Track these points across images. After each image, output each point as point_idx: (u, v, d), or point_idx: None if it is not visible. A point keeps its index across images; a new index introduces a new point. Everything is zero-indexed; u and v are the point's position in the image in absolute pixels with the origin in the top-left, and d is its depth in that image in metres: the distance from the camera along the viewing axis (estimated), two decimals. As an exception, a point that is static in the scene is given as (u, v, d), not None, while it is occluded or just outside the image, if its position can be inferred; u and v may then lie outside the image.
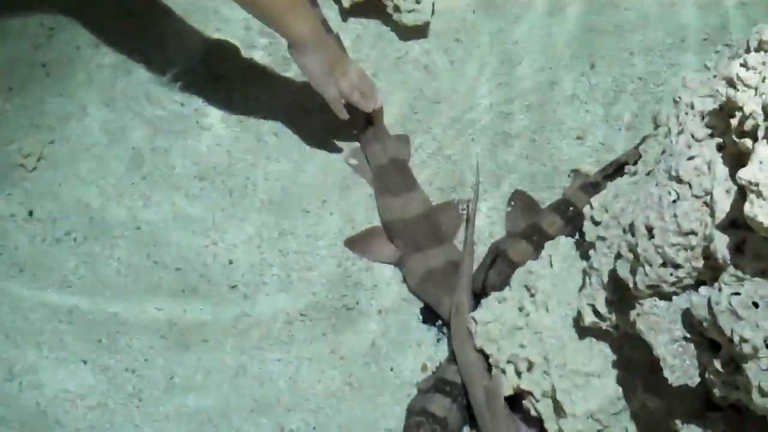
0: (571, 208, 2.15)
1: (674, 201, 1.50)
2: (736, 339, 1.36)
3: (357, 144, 2.37)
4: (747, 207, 1.32)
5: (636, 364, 1.73)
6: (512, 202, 2.27)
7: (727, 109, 1.48)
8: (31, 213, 2.26)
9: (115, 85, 2.45)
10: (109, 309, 2.14)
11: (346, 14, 2.56)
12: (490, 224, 2.26)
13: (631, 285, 1.56)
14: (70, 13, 2.54)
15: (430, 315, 2.13)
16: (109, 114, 2.41)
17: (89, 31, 2.52)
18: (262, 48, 2.47)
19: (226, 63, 2.48)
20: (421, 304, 2.15)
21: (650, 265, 1.51)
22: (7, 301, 2.16)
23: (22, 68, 2.47)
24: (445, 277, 2.10)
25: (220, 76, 2.47)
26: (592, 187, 2.16)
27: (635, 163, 1.95)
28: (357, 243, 2.24)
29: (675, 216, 1.48)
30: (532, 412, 1.83)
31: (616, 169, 2.16)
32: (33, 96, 2.43)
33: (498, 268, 2.06)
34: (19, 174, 2.32)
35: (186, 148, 2.36)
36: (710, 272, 1.49)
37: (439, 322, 2.12)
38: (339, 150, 2.37)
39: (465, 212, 2.25)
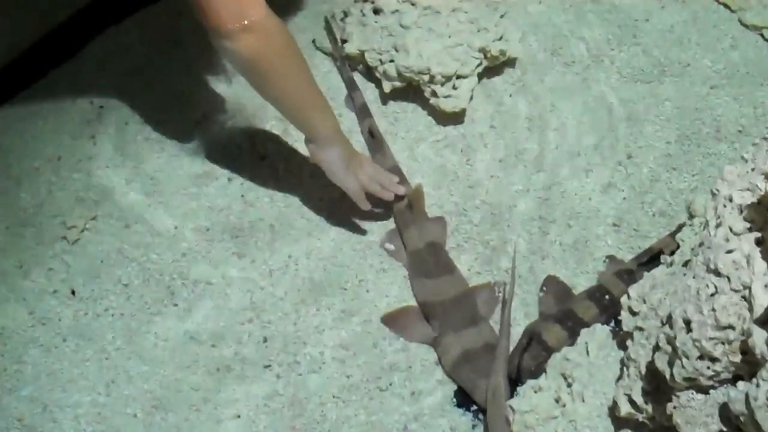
0: (606, 296, 2.14)
1: (712, 294, 1.50)
2: (773, 435, 1.35)
3: (393, 230, 2.39)
4: (786, 303, 1.33)
5: (671, 455, 1.72)
6: (545, 288, 2.27)
7: (766, 203, 1.49)
8: (73, 292, 2.29)
9: (161, 161, 2.50)
10: (145, 386, 2.16)
11: (386, 98, 2.60)
12: (524, 306, 2.26)
13: (668, 377, 1.55)
14: (120, 92, 2.61)
15: (464, 399, 2.11)
16: (153, 189, 2.45)
17: (138, 109, 2.59)
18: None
19: (271, 142, 2.53)
20: (456, 387, 2.14)
21: (688, 358, 1.50)
22: (46, 372, 2.18)
23: (72, 140, 2.53)
24: (482, 360, 2.10)
25: (265, 155, 2.51)
26: (627, 274, 2.17)
27: (672, 253, 1.96)
28: (393, 321, 2.24)
29: (713, 310, 1.48)
30: (569, 501, 1.82)
31: (651, 257, 2.18)
32: (80, 168, 2.49)
33: (533, 352, 2.06)
34: (61, 247, 2.35)
35: (228, 225, 2.39)
36: (748, 367, 1.48)
37: (474, 407, 2.10)
38: (377, 231, 2.39)
39: (501, 295, 2.26)
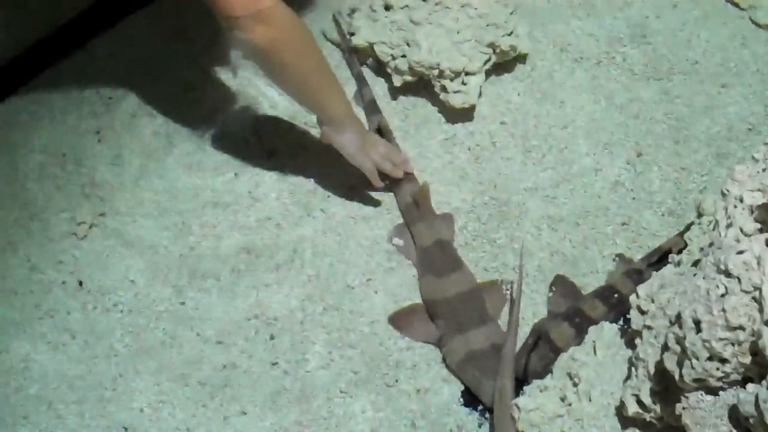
0: (615, 294, 2.14)
1: (722, 295, 1.49)
2: (783, 437, 1.34)
3: (401, 224, 2.38)
4: (797, 305, 1.32)
5: (678, 455, 1.71)
6: (554, 287, 2.27)
7: (777, 204, 1.48)
8: (81, 283, 2.29)
9: (169, 155, 2.50)
10: (153, 378, 2.16)
11: (395, 92, 2.60)
12: (532, 305, 2.24)
13: (677, 377, 1.55)
14: (129, 83, 2.61)
15: (471, 398, 2.10)
16: (161, 184, 2.45)
17: (146, 100, 2.59)
18: (312, 124, 2.50)
19: (279, 138, 2.53)
20: (462, 386, 2.13)
21: (697, 359, 1.50)
22: (54, 370, 2.18)
23: (78, 136, 2.53)
24: (488, 360, 2.08)
25: (273, 150, 2.51)
26: (637, 273, 2.16)
27: (680, 252, 1.95)
28: (398, 320, 2.23)
29: (723, 310, 1.47)
30: (575, 501, 1.81)
31: (660, 257, 2.17)
32: (87, 163, 2.49)
33: (540, 351, 2.05)
34: (70, 242, 2.35)
35: (235, 221, 2.39)
36: (758, 368, 1.47)
37: (481, 406, 2.09)
38: (384, 228, 2.38)
39: (509, 293, 2.25)
